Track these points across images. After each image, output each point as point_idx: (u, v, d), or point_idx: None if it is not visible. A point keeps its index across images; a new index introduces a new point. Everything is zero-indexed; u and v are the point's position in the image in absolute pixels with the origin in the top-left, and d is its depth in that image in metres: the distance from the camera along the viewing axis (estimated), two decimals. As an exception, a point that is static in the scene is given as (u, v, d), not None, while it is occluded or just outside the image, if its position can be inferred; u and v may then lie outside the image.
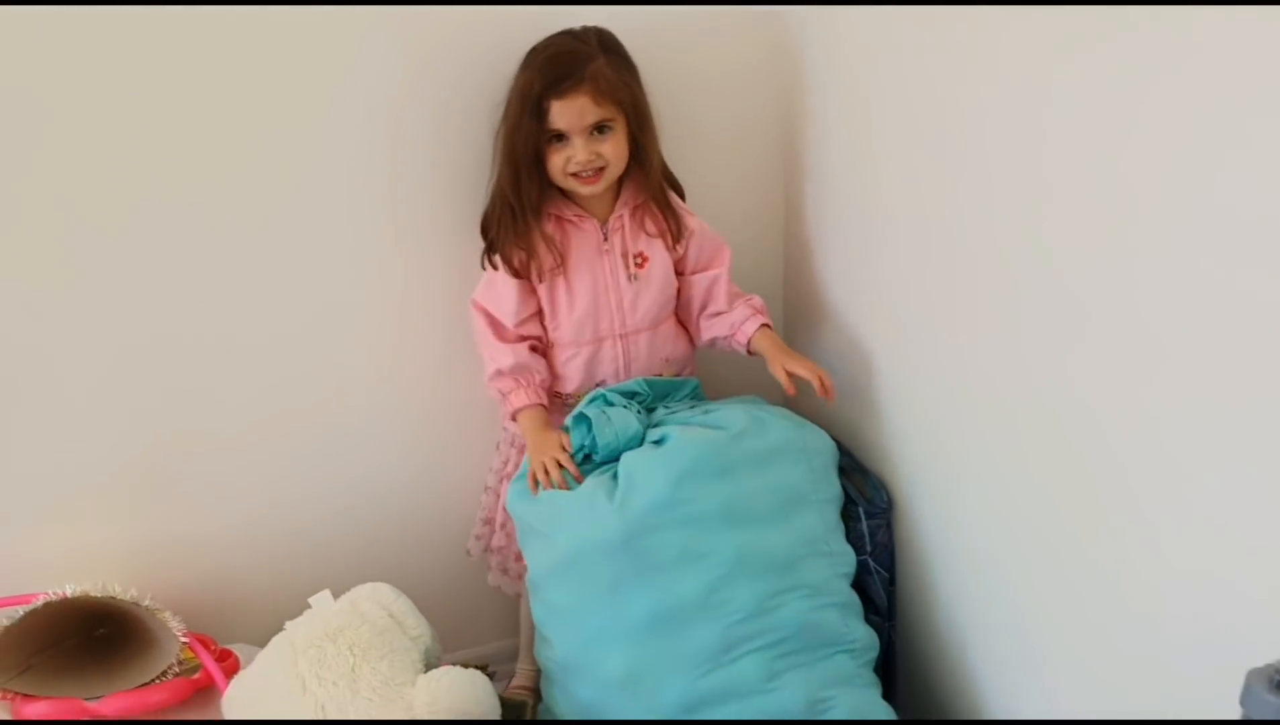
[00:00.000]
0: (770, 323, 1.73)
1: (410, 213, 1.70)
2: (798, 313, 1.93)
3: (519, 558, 1.71)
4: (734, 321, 1.72)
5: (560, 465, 1.57)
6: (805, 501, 1.58)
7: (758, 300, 1.75)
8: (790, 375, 1.62)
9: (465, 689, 1.45)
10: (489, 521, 1.82)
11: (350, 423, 1.80)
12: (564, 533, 1.53)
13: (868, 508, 1.68)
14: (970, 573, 1.55)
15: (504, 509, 1.72)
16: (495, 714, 1.49)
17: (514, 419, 1.67)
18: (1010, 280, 1.34)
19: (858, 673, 1.53)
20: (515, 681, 1.85)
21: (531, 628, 1.78)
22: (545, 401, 1.67)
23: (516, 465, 1.66)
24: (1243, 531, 1.06)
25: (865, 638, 1.58)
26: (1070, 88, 1.16)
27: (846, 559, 1.61)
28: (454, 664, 1.54)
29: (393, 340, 1.77)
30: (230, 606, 1.77)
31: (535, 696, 1.70)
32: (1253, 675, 1.01)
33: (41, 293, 1.57)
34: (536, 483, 1.58)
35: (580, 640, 1.52)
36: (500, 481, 1.77)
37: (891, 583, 1.72)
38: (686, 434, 1.54)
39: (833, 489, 1.64)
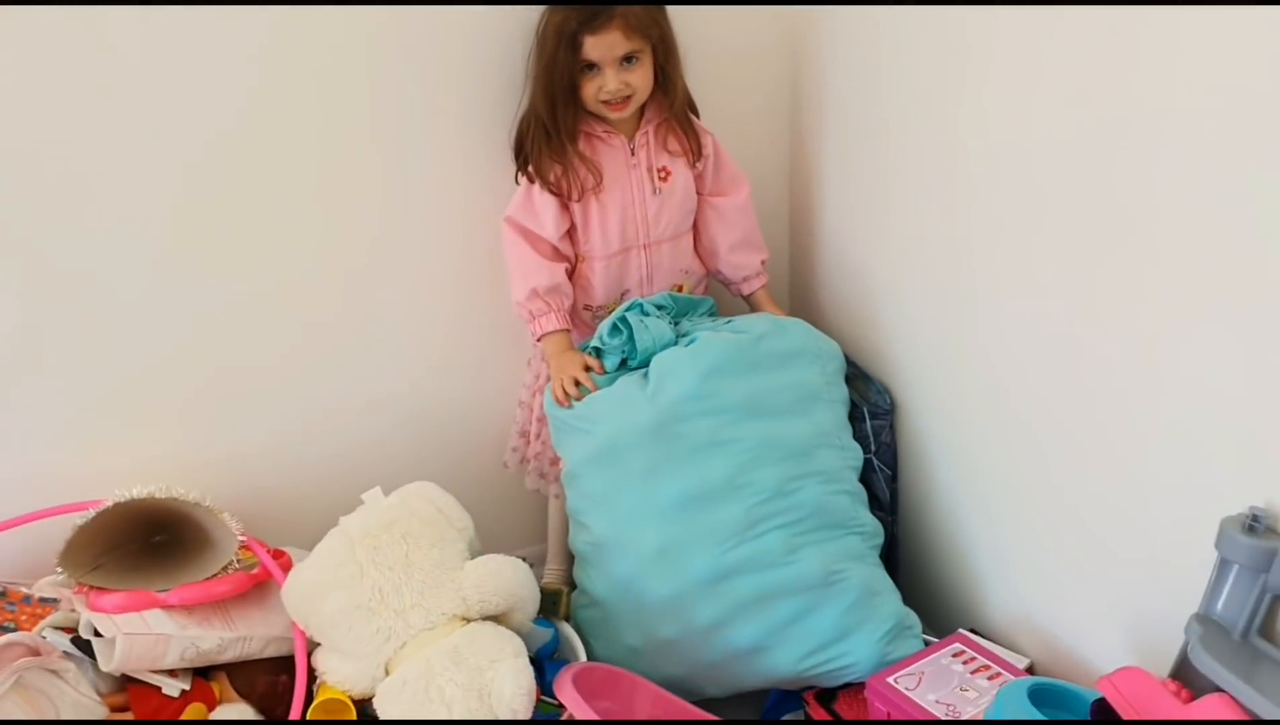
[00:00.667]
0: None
1: (439, 136, 1.79)
2: (802, 234, 2.05)
3: (555, 461, 1.84)
4: (745, 274, 1.89)
5: (579, 383, 1.71)
6: (819, 399, 1.71)
7: (765, 256, 1.91)
8: None
9: (509, 573, 1.57)
10: (524, 433, 1.95)
11: (387, 344, 1.91)
12: (601, 424, 1.66)
13: (872, 409, 1.81)
14: (966, 467, 1.69)
15: (538, 419, 1.85)
16: (536, 596, 1.61)
17: (538, 341, 1.79)
18: (1002, 198, 1.46)
19: (867, 553, 1.67)
20: (544, 580, 1.99)
21: (560, 530, 1.92)
22: (570, 326, 1.79)
23: (549, 378, 1.78)
24: (1215, 398, 1.19)
25: (872, 524, 1.71)
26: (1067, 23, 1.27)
27: (855, 454, 1.75)
28: (494, 557, 1.67)
29: (423, 265, 1.87)
30: (279, 516, 1.86)
31: (569, 588, 1.83)
32: (1227, 521, 1.16)
33: (111, 230, 1.67)
34: (566, 395, 1.71)
35: (617, 521, 1.65)
36: (533, 395, 1.89)
37: (894, 479, 1.85)
38: (713, 336, 1.67)
39: (842, 392, 1.77)
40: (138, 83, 1.61)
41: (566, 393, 1.71)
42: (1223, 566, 1.17)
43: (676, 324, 1.77)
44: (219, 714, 1.56)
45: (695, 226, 1.87)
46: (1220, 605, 1.18)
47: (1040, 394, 1.47)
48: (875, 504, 1.81)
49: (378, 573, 1.54)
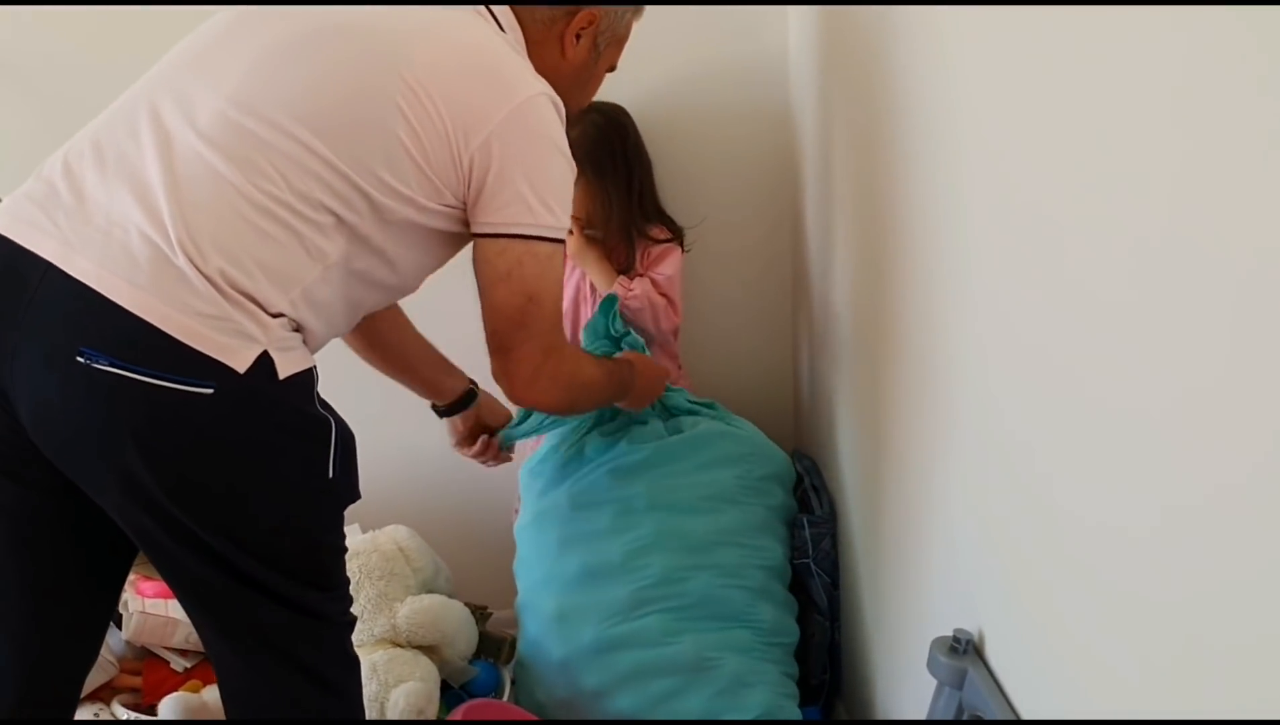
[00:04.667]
0: None
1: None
2: (805, 338, 2.22)
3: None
4: None
5: None
6: (731, 501, 1.86)
7: None
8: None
9: (441, 612, 1.84)
10: None
11: (411, 428, 2.12)
12: (531, 499, 1.90)
13: (811, 517, 1.93)
14: (871, 576, 1.79)
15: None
16: (469, 638, 1.87)
17: None
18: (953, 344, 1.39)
19: (757, 647, 1.78)
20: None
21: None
22: None
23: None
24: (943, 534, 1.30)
25: (774, 621, 1.82)
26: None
27: (766, 553, 1.86)
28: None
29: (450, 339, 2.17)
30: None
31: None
32: (936, 643, 1.26)
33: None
34: None
35: (532, 585, 1.89)
36: None
37: (835, 586, 1.96)
38: (640, 432, 1.88)
39: (766, 497, 1.90)
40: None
41: None
42: (937, 684, 1.26)
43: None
44: (205, 693, 1.91)
45: None
46: (937, 717, 1.26)
47: (881, 510, 1.60)
48: (814, 609, 1.93)
49: (329, 595, 1.84)
